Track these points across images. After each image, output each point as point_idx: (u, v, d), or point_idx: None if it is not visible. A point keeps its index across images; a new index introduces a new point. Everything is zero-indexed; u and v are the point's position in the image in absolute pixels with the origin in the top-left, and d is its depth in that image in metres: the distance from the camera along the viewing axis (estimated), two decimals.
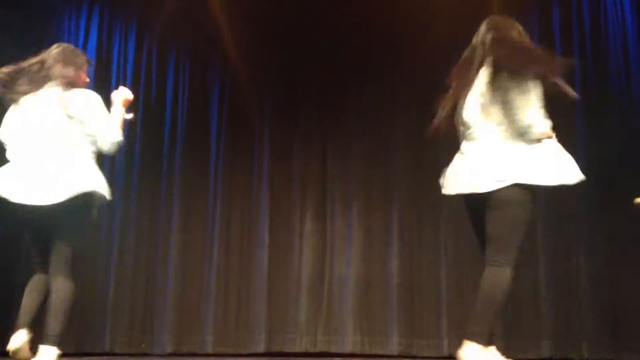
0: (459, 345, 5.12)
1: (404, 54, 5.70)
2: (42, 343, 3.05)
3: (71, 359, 4.46)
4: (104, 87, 6.00)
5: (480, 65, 2.95)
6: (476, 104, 2.91)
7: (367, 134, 5.77)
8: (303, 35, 5.87)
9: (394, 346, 5.29)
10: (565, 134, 3.69)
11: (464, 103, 2.96)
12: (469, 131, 2.97)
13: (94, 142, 3.21)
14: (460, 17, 5.65)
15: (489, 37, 2.95)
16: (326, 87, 5.85)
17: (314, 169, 5.81)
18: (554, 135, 2.89)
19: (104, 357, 5.02)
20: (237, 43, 5.94)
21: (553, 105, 2.78)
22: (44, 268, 3.20)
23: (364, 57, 5.81)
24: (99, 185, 3.14)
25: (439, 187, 5.47)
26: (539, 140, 2.82)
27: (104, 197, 3.15)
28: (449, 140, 5.49)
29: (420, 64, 5.66)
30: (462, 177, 2.96)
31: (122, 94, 3.37)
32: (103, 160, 5.81)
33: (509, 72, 2.78)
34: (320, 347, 5.36)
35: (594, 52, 5.36)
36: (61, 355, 4.87)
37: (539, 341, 5.09)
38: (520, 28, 3.06)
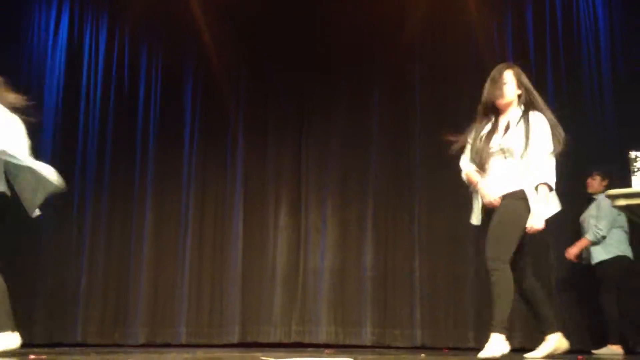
0: (431, 335, 5.26)
1: (379, 47, 5.73)
2: None
3: (42, 350, 4.42)
4: (75, 79, 6.00)
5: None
6: None
7: (342, 128, 5.77)
8: (278, 26, 5.85)
9: (367, 336, 5.34)
10: None
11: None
12: None
13: None
14: (436, 14, 5.72)
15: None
16: (301, 80, 5.83)
17: (289, 162, 5.80)
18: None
19: (76, 348, 4.97)
20: (211, 33, 5.90)
21: None
22: None
23: (340, 49, 5.81)
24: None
25: (413, 181, 5.59)
26: None
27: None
28: (423, 137, 5.61)
29: (395, 57, 5.70)
30: None
31: None
32: (75, 152, 5.83)
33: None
34: (294, 338, 5.39)
35: (565, 47, 5.43)
36: (32, 345, 4.84)
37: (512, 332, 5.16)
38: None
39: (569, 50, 5.41)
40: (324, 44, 5.82)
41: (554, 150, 3.26)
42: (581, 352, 4.33)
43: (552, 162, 3.27)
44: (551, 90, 5.35)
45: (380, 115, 5.73)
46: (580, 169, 4.74)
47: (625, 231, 4.65)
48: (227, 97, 5.89)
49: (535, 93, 3.39)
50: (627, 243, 4.66)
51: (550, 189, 3.25)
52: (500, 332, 3.11)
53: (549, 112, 3.35)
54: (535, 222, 3.21)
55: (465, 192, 5.25)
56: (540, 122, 3.30)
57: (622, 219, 4.58)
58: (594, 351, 4.59)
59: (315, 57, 5.82)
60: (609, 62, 5.26)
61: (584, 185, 4.79)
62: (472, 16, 5.63)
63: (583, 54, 5.37)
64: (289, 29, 5.82)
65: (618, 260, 4.59)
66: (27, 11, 6.07)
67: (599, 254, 4.64)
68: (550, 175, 3.25)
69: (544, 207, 3.24)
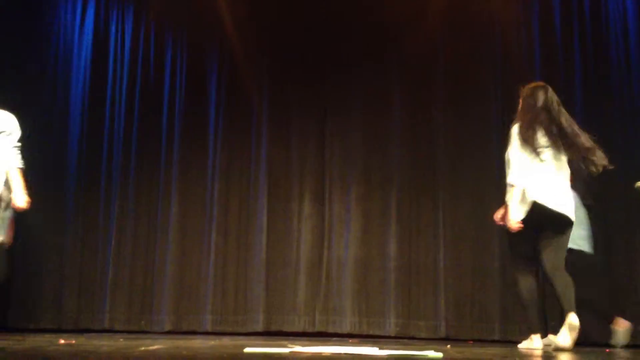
0: (456, 326, 5.24)
1: (404, 33, 5.71)
2: None
3: (71, 335, 4.52)
4: (102, 70, 6.08)
5: None
6: None
7: (365, 118, 5.77)
8: (300, 18, 5.87)
9: (391, 327, 5.34)
10: None
11: None
12: None
13: None
14: (459, 4, 5.68)
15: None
16: (325, 68, 5.84)
17: (312, 153, 5.81)
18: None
19: (103, 334, 5.06)
20: (235, 22, 5.93)
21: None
22: None
23: (362, 40, 5.81)
24: None
25: (437, 171, 5.56)
26: None
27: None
28: (447, 127, 5.59)
29: (418, 48, 5.68)
30: None
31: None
32: (102, 145, 5.92)
33: None
34: (318, 327, 5.41)
35: (594, 41, 5.36)
36: (60, 331, 4.93)
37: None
38: None
39: (597, 45, 5.34)
40: (346, 35, 5.82)
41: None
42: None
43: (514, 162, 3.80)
44: (579, 81, 5.29)
45: (402, 105, 5.72)
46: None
47: (583, 228, 4.47)
48: (250, 89, 5.91)
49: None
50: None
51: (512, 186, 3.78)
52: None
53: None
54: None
55: (489, 182, 5.24)
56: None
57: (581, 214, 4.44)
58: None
59: (338, 48, 5.82)
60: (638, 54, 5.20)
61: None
62: (497, 6, 5.59)
63: (612, 48, 5.30)
64: (311, 20, 5.85)
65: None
66: (52, 7, 6.16)
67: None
68: (511, 176, 3.81)
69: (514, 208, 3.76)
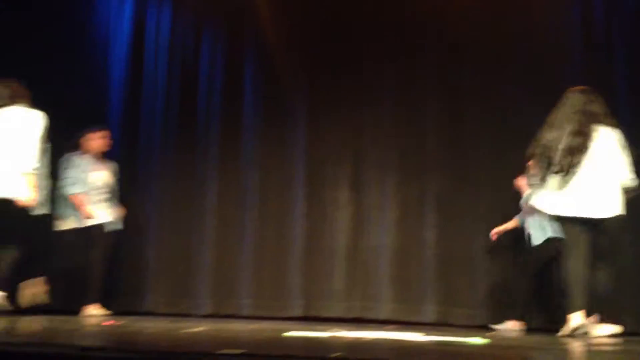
0: (494, 314, 5.20)
1: (439, 21, 5.65)
2: None
3: (114, 318, 4.63)
4: (139, 61, 6.17)
5: None
6: None
7: (403, 104, 5.73)
8: (332, 4, 5.84)
9: (429, 314, 5.33)
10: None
11: None
12: None
13: None
14: None
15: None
16: (361, 57, 5.81)
17: (350, 139, 5.80)
18: None
19: (146, 317, 5.17)
20: (273, 12, 5.94)
21: None
22: None
23: (395, 26, 5.77)
24: None
25: (476, 157, 5.50)
26: None
27: None
28: (484, 113, 5.51)
29: (450, 30, 5.61)
30: None
31: None
32: (139, 134, 6.03)
33: None
34: (355, 314, 5.43)
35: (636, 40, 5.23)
36: (105, 315, 5.06)
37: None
38: None
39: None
40: (378, 20, 5.78)
41: None
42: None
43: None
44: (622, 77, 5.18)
45: (436, 91, 5.66)
46: None
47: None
48: (286, 79, 5.92)
49: None
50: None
51: None
52: None
53: None
54: None
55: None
56: None
57: None
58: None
59: (372, 33, 5.79)
60: None
61: None
62: None
63: None
64: (344, 6, 5.83)
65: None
66: None
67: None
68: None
69: None
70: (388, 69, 5.77)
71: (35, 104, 4.33)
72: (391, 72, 5.76)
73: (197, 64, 6.09)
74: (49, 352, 1.60)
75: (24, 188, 4.03)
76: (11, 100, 4.18)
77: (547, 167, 3.94)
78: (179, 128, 6.04)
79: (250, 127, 5.93)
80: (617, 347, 3.08)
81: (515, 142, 5.37)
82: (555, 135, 3.96)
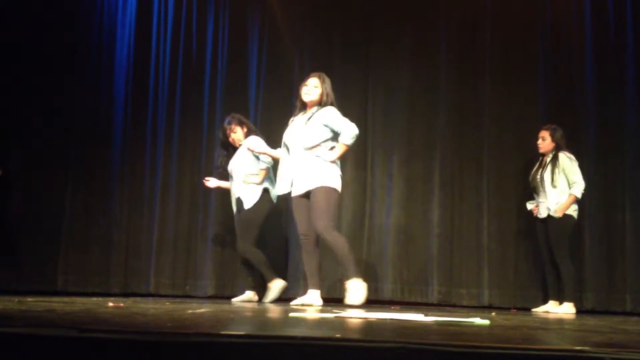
0: (499, 294, 5.19)
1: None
2: None
3: (117, 299, 4.62)
4: (144, 39, 6.10)
5: None
6: None
7: (408, 83, 5.67)
8: None
9: (433, 294, 5.32)
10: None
11: None
12: None
13: None
14: None
15: None
16: (365, 34, 5.75)
17: (355, 118, 5.71)
18: None
19: (149, 298, 5.18)
20: None
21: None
22: None
23: (406, 2, 5.68)
24: None
25: (481, 136, 5.46)
26: None
27: None
28: (492, 92, 5.47)
29: (467, 11, 5.56)
30: None
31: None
32: (146, 115, 5.99)
33: None
34: None
35: None
36: (108, 295, 5.06)
37: (580, 293, 5.05)
38: None
39: None
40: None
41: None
42: None
43: None
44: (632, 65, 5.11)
45: (446, 70, 5.61)
46: None
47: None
48: (291, 53, 5.86)
49: None
50: None
51: None
52: None
53: None
54: None
55: (535, 149, 5.13)
56: None
57: None
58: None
59: (380, 9, 5.71)
60: None
61: None
62: None
63: None
64: None
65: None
66: None
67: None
68: None
69: None
70: (397, 47, 5.71)
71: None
72: (400, 48, 5.70)
73: (202, 42, 6.05)
74: (49, 335, 1.57)
75: None
76: None
77: None
78: (182, 109, 6.00)
79: (254, 103, 5.88)
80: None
81: (523, 124, 5.35)
82: None
